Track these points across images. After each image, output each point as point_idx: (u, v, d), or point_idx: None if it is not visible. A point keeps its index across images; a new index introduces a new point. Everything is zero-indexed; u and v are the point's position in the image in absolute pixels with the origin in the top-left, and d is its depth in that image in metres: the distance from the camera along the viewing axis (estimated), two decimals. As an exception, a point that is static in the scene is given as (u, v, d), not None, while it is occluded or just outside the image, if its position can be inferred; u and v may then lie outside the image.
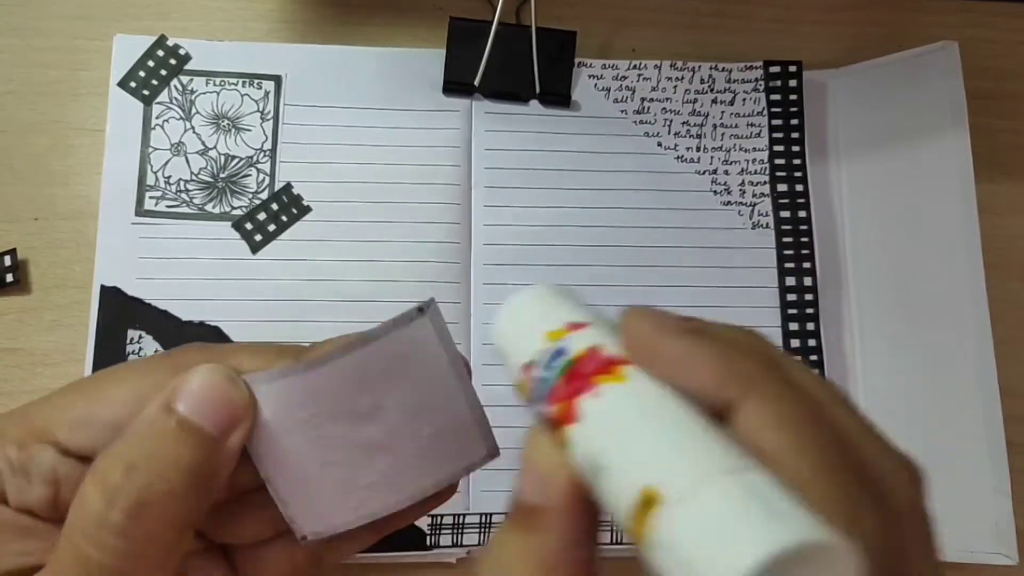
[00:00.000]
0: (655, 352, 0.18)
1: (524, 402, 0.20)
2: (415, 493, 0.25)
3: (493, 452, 0.25)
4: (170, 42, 0.43)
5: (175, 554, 0.21)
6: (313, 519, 0.24)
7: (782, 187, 0.44)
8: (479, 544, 0.38)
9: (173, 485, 0.21)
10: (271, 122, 0.43)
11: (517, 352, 0.20)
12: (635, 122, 0.45)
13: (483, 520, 0.39)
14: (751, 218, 0.44)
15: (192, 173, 0.42)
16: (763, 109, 0.45)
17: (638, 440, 0.16)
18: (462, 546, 0.38)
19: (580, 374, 0.18)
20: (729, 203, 0.44)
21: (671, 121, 0.45)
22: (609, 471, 0.16)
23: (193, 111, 0.43)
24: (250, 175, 0.42)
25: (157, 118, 0.43)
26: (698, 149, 0.44)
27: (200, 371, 0.22)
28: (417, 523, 0.38)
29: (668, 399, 0.17)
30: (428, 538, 0.38)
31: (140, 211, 0.41)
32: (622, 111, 0.45)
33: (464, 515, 0.39)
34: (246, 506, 0.24)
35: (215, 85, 0.43)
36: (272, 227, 0.42)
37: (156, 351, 0.40)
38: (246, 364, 0.24)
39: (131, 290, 0.40)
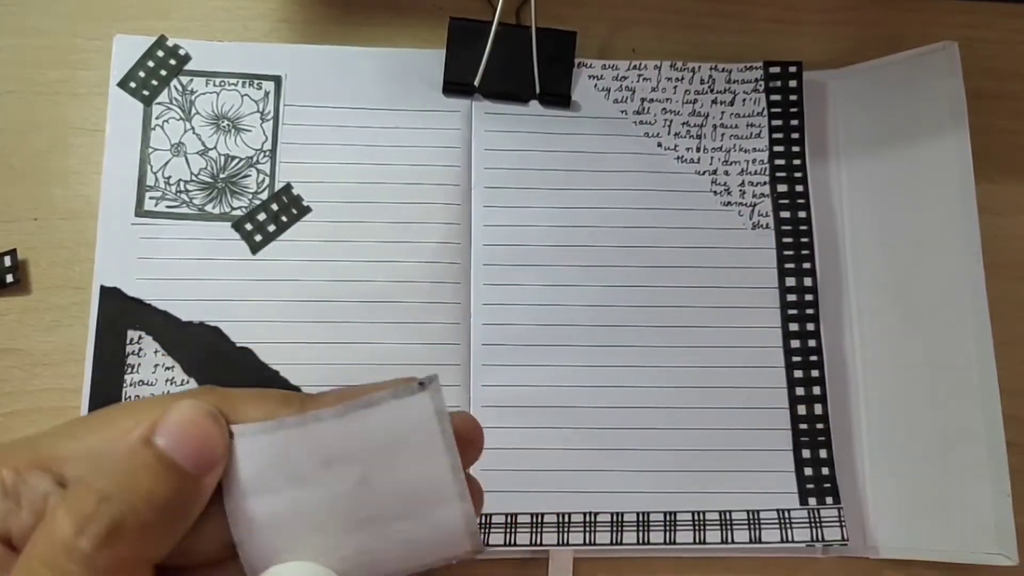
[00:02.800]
0: None
1: None
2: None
3: (477, 548, 0.23)
4: (170, 42, 0.43)
5: None
6: None
7: (782, 187, 0.44)
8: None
9: (145, 518, 0.20)
10: (271, 122, 0.43)
11: None
12: (635, 122, 0.45)
13: (483, 521, 0.39)
14: (751, 218, 0.44)
15: (192, 173, 0.42)
16: (763, 109, 0.45)
17: None
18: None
19: None
20: (729, 203, 0.44)
21: (671, 121, 0.45)
22: None
23: (193, 111, 0.43)
24: (250, 175, 0.42)
25: (157, 118, 0.43)
26: (698, 149, 0.44)
27: (182, 406, 0.22)
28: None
29: None
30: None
31: (140, 211, 0.41)
32: (622, 111, 0.45)
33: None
34: (201, 525, 0.23)
35: (215, 85, 0.43)
36: (272, 227, 0.42)
37: (156, 352, 0.40)
38: (251, 413, 0.23)
39: (131, 290, 0.40)
